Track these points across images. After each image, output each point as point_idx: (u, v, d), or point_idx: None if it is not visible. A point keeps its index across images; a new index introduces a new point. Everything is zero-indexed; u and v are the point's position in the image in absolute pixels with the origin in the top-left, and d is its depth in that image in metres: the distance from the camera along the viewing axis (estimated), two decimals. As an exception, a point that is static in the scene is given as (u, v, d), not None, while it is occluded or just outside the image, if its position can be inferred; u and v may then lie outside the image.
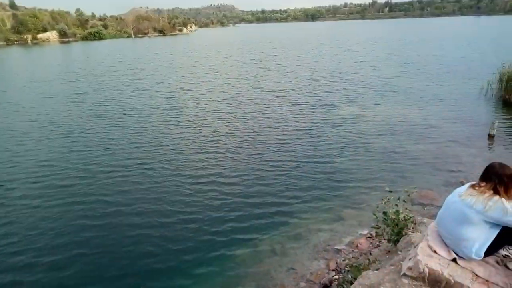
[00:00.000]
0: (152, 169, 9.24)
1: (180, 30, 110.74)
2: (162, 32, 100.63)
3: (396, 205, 4.92)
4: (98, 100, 17.82)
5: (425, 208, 6.62)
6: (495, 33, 53.47)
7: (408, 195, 5.23)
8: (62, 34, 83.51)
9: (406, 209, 5.05)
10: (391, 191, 5.19)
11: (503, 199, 2.72)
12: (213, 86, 20.03)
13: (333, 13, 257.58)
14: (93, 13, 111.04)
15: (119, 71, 28.31)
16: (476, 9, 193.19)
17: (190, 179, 8.59)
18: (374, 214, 4.96)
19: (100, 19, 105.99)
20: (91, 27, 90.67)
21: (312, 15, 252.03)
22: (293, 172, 8.85)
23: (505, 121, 12.12)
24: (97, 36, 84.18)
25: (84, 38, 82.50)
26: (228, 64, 30.11)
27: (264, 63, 29.74)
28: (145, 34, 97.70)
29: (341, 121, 12.77)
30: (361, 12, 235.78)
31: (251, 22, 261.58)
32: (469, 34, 54.66)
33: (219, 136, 11.73)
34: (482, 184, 2.86)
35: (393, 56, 31.26)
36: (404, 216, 4.71)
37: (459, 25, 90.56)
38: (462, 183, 7.62)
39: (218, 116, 14.09)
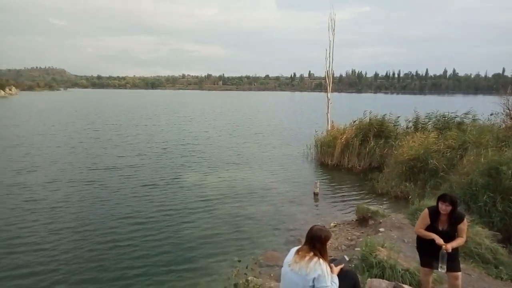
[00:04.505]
0: None
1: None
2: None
3: (246, 274, 4.97)
4: None
5: (272, 270, 6.88)
6: (306, 106, 65.19)
7: (255, 263, 5.43)
8: None
9: (254, 277, 5.15)
10: (239, 260, 5.23)
11: (321, 261, 3.01)
12: (35, 163, 17.13)
13: (172, 82, 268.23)
14: None
15: None
16: (291, 86, 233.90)
17: None
18: (225, 287, 4.87)
19: None
20: None
21: (152, 84, 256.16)
22: (132, 243, 8.15)
23: (324, 180, 14.28)
24: None
25: None
26: (56, 135, 26.90)
27: (101, 133, 27.95)
28: None
29: (186, 189, 12.67)
30: (198, 83, 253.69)
31: (85, 87, 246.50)
32: (288, 107, 64.95)
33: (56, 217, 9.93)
34: (303, 248, 3.13)
35: (231, 125, 34.12)
36: (253, 285, 4.76)
37: (280, 98, 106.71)
38: (299, 240, 8.45)
39: (51, 199, 12.00)
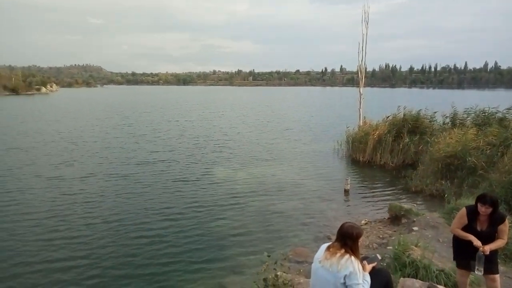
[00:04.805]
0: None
1: (38, 90, 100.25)
2: (14, 91, 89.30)
3: (275, 269, 4.98)
4: None
5: (301, 266, 6.86)
6: (337, 101, 64.18)
7: (284, 258, 5.46)
8: None
9: (284, 272, 5.15)
10: (269, 255, 5.24)
11: (353, 258, 2.97)
12: (72, 157, 17.87)
13: (203, 78, 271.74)
14: None
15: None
16: (322, 81, 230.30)
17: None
18: (254, 282, 4.90)
19: None
20: None
21: (183, 80, 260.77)
22: (165, 238, 8.33)
23: (355, 176, 14.03)
24: None
25: None
26: (93, 130, 28.05)
27: (134, 128, 28.85)
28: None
29: (216, 184, 12.84)
30: (229, 79, 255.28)
31: (121, 83, 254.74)
32: (319, 102, 64.23)
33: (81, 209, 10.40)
34: (334, 244, 3.09)
35: (261, 121, 34.22)
36: (283, 281, 4.76)
37: (311, 94, 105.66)
38: (329, 237, 8.37)
39: (86, 191, 12.58)
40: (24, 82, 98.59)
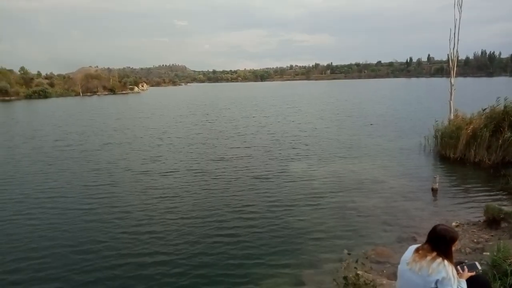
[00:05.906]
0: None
1: (131, 89, 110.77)
2: (112, 90, 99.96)
3: (355, 268, 4.85)
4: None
5: (383, 267, 6.56)
6: (424, 93, 59.58)
7: (366, 257, 5.27)
8: (4, 92, 79.78)
9: (365, 271, 4.98)
10: (349, 253, 5.11)
11: (446, 262, 2.74)
12: (158, 153, 19.33)
13: (280, 74, 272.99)
14: (38, 72, 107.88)
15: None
16: (406, 72, 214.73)
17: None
18: (334, 279, 4.82)
19: (46, 78, 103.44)
20: (36, 85, 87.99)
21: (261, 76, 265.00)
22: (243, 234, 8.49)
23: (444, 175, 12.93)
24: (42, 94, 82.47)
25: (28, 97, 79.94)
26: (177, 126, 30.00)
27: (214, 124, 30.15)
28: (94, 92, 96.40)
29: (293, 181, 12.80)
30: (306, 74, 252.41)
31: (202, 81, 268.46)
32: (403, 95, 60.36)
33: (172, 199, 11.21)
34: (424, 247, 2.89)
35: (340, 116, 33.31)
36: (364, 280, 4.61)
37: (394, 86, 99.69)
38: (414, 238, 7.85)
39: (173, 185, 13.53)
40: (120, 82, 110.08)
